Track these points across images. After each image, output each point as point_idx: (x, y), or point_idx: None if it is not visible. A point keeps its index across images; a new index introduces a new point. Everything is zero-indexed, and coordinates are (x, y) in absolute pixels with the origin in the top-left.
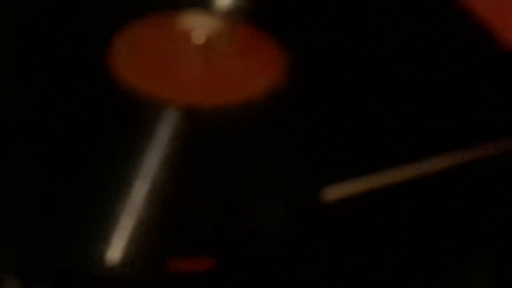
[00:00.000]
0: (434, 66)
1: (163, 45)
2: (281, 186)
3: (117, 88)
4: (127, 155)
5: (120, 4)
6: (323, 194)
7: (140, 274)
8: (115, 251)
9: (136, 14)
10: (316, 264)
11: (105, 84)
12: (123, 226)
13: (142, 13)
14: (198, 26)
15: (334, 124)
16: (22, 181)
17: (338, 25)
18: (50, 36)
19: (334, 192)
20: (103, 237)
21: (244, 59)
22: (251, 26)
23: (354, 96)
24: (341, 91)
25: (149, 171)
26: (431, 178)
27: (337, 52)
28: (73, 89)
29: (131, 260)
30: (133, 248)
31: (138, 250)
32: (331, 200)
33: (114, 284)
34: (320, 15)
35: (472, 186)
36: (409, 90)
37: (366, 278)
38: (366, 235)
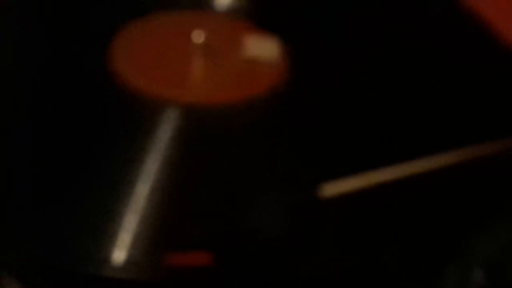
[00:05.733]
0: (434, 65)
1: (163, 45)
2: (279, 183)
3: (117, 87)
4: (127, 155)
5: (120, 4)
6: (320, 191)
7: (139, 271)
8: (114, 249)
9: (136, 14)
10: (313, 259)
11: (105, 84)
12: (122, 224)
13: (142, 13)
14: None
15: (333, 123)
16: (22, 182)
17: (339, 24)
18: (50, 36)
19: (332, 189)
20: (103, 235)
21: (244, 59)
22: (252, 26)
23: (354, 95)
24: (341, 91)
25: (149, 170)
26: (427, 176)
27: (338, 52)
28: (73, 88)
29: (130, 258)
30: (132, 246)
31: (137, 248)
32: (328, 197)
33: (114, 282)
34: (320, 15)
35: (468, 185)
36: (407, 90)
37: (363, 276)
38: (363, 232)
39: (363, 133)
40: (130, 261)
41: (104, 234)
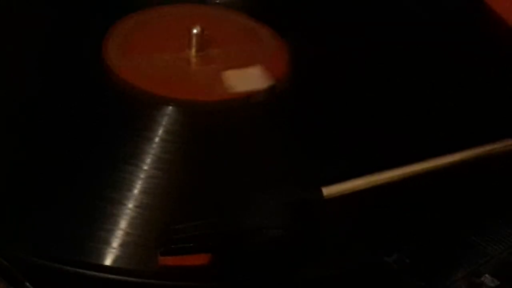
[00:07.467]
0: (434, 66)
1: (159, 40)
2: (279, 183)
3: (112, 83)
4: (123, 153)
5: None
6: (321, 192)
7: (138, 272)
8: (112, 249)
9: (131, 9)
10: (313, 260)
11: (100, 80)
12: (120, 225)
13: (137, 8)
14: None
15: (334, 123)
16: (17, 181)
17: (342, 21)
18: (46, 32)
19: (332, 190)
20: (101, 235)
21: (246, 56)
22: (254, 22)
23: (356, 96)
24: (343, 91)
25: (146, 169)
26: (433, 177)
27: (340, 51)
28: (68, 86)
29: (127, 259)
30: (129, 246)
31: (135, 248)
32: (329, 198)
33: (112, 283)
34: (323, 12)
35: (477, 188)
36: (408, 91)
37: (369, 280)
38: (368, 234)
39: (364, 133)
40: (127, 262)
41: (102, 234)
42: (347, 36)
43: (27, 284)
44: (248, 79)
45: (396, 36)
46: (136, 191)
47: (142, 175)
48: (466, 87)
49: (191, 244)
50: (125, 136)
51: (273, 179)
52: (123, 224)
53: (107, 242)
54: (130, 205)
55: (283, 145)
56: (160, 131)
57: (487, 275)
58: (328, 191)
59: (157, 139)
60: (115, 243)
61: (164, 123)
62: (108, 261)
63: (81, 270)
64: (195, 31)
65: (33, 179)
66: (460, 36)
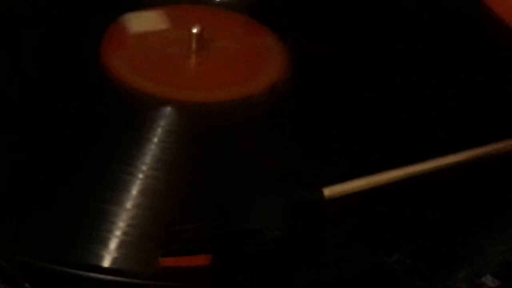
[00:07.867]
0: (435, 65)
1: (159, 40)
2: (279, 183)
3: (110, 83)
4: (122, 153)
5: None
6: (321, 192)
7: (137, 272)
8: (113, 250)
9: (131, 9)
10: (313, 259)
11: (98, 80)
12: (119, 225)
13: (137, 8)
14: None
15: (334, 123)
16: (16, 181)
17: (342, 21)
18: (45, 32)
19: (333, 191)
20: (100, 236)
21: (246, 55)
22: (254, 22)
23: (356, 95)
24: (343, 90)
25: (147, 169)
26: (434, 178)
27: (340, 50)
28: (67, 86)
29: (128, 259)
30: (129, 247)
31: (134, 248)
32: (330, 198)
33: (111, 284)
34: (323, 12)
35: (478, 188)
36: (409, 91)
37: (370, 281)
38: (368, 235)
39: (364, 133)
40: (127, 263)
41: (101, 235)
42: (347, 36)
43: (27, 285)
44: (147, 21)
45: (396, 36)
46: (135, 192)
47: (141, 176)
48: (466, 87)
49: (191, 245)
50: (124, 136)
51: (273, 179)
52: (123, 225)
53: (107, 243)
54: (130, 206)
55: (283, 145)
56: (160, 132)
57: (488, 276)
58: (330, 192)
59: (156, 140)
60: (115, 244)
61: (163, 123)
62: (108, 262)
63: (81, 272)
64: (195, 31)
65: (32, 180)
66: (460, 36)
